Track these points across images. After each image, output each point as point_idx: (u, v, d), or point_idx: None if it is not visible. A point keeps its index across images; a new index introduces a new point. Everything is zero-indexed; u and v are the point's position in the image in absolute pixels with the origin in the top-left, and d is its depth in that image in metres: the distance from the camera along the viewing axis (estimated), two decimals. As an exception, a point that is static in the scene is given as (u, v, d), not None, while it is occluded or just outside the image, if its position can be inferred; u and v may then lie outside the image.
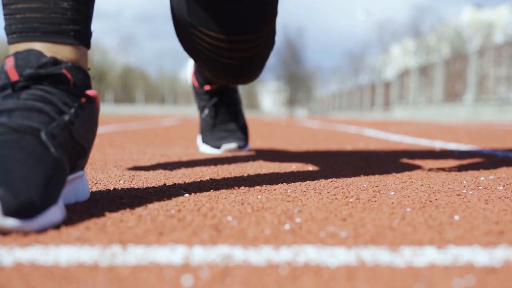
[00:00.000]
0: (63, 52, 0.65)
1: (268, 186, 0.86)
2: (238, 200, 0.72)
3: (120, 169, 1.11)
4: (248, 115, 13.00)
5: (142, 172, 1.05)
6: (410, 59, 22.17)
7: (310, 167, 1.18)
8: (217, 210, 0.64)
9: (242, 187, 0.84)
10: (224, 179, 0.95)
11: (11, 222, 0.49)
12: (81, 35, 0.67)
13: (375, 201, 0.72)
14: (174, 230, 0.54)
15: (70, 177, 0.65)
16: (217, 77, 1.25)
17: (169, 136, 2.86)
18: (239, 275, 0.40)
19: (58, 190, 0.56)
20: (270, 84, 43.57)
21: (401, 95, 18.22)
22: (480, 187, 0.86)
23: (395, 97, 18.64)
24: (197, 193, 0.77)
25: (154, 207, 0.66)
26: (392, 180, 0.95)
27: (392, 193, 0.79)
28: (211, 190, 0.80)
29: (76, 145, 0.64)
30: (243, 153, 1.58)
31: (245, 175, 1.02)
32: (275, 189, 0.82)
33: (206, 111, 1.65)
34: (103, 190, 0.79)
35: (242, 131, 1.64)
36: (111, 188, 0.81)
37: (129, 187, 0.83)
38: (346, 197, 0.75)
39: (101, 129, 3.60)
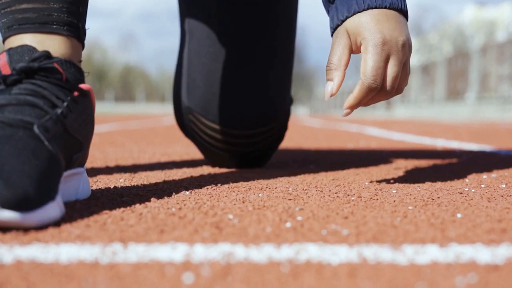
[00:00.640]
0: (55, 45, 0.65)
1: (269, 184, 0.86)
2: (239, 198, 0.72)
3: (120, 167, 1.11)
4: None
5: (143, 171, 1.05)
6: (412, 57, 22.08)
7: (312, 166, 1.18)
8: (218, 208, 0.64)
9: (243, 185, 0.83)
10: (225, 177, 0.95)
11: (8, 214, 0.49)
12: (73, 27, 0.67)
13: (377, 199, 0.72)
14: (175, 228, 0.54)
15: (68, 173, 0.65)
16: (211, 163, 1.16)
17: (170, 134, 2.86)
18: (240, 273, 0.40)
19: (54, 184, 0.56)
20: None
21: (403, 93, 18.20)
22: (483, 185, 0.86)
23: (397, 95, 18.60)
24: (198, 191, 0.77)
25: (155, 205, 0.65)
26: (394, 178, 0.95)
27: (394, 191, 0.79)
28: (212, 188, 0.80)
29: (70, 139, 0.63)
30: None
31: (246, 173, 1.02)
32: (276, 187, 0.82)
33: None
34: (104, 188, 0.79)
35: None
36: (112, 186, 0.81)
37: (130, 185, 0.83)
38: (348, 195, 0.75)
39: (101, 128, 3.60)
